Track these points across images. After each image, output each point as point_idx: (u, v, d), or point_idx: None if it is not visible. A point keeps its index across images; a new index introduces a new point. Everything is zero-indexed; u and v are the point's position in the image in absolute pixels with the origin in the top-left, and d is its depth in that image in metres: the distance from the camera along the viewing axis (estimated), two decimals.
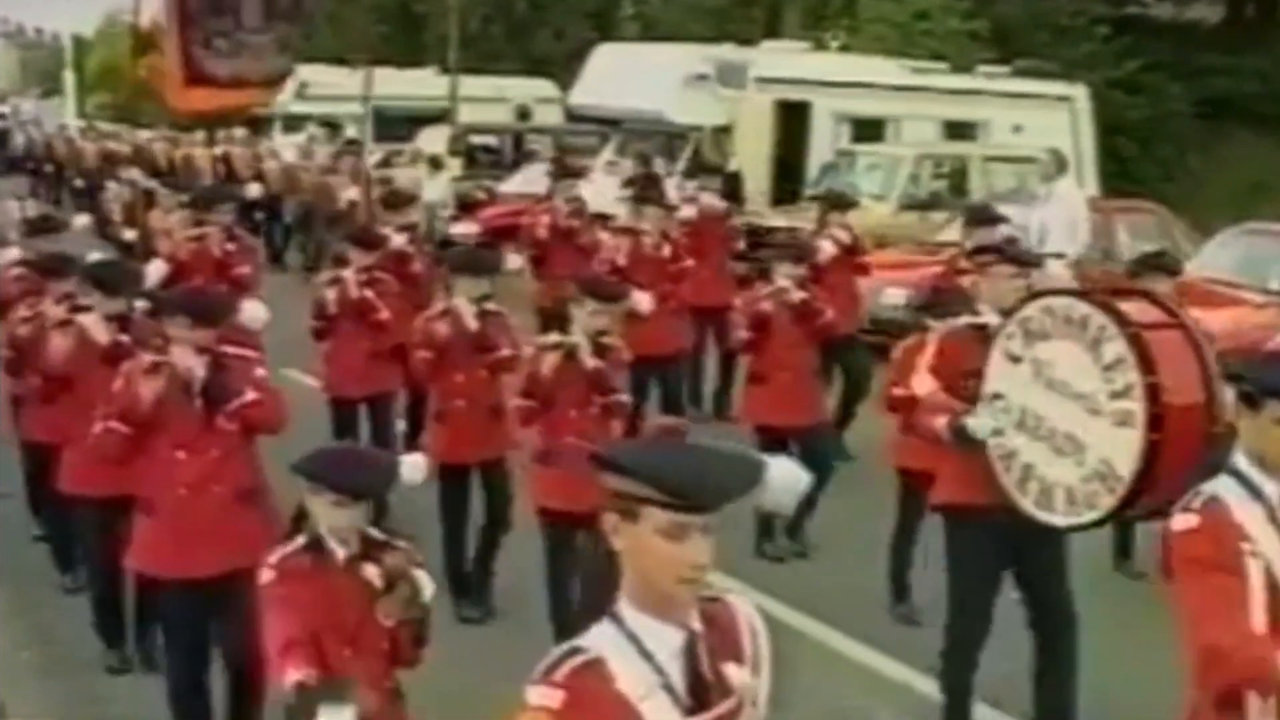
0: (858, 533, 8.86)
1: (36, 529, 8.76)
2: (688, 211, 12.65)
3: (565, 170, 13.90)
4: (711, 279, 12.16)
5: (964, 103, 21.05)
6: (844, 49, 26.41)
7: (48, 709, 6.25)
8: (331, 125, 23.39)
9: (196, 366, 5.81)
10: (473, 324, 7.82)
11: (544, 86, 29.80)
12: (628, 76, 20.48)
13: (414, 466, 6.76)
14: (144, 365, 5.87)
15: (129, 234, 13.54)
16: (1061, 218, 13.85)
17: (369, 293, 9.14)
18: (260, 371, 6.03)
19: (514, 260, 10.58)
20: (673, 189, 18.64)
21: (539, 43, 34.83)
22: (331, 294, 9.18)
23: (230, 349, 6.06)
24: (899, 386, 7.36)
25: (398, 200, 12.54)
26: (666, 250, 11.18)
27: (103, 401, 6.00)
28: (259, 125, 29.62)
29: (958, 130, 20.83)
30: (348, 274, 9.20)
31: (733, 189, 18.36)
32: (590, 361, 7.01)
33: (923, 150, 19.39)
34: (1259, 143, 26.80)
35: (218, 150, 24.23)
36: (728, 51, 21.26)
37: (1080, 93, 21.75)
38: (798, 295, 8.86)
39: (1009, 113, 20.91)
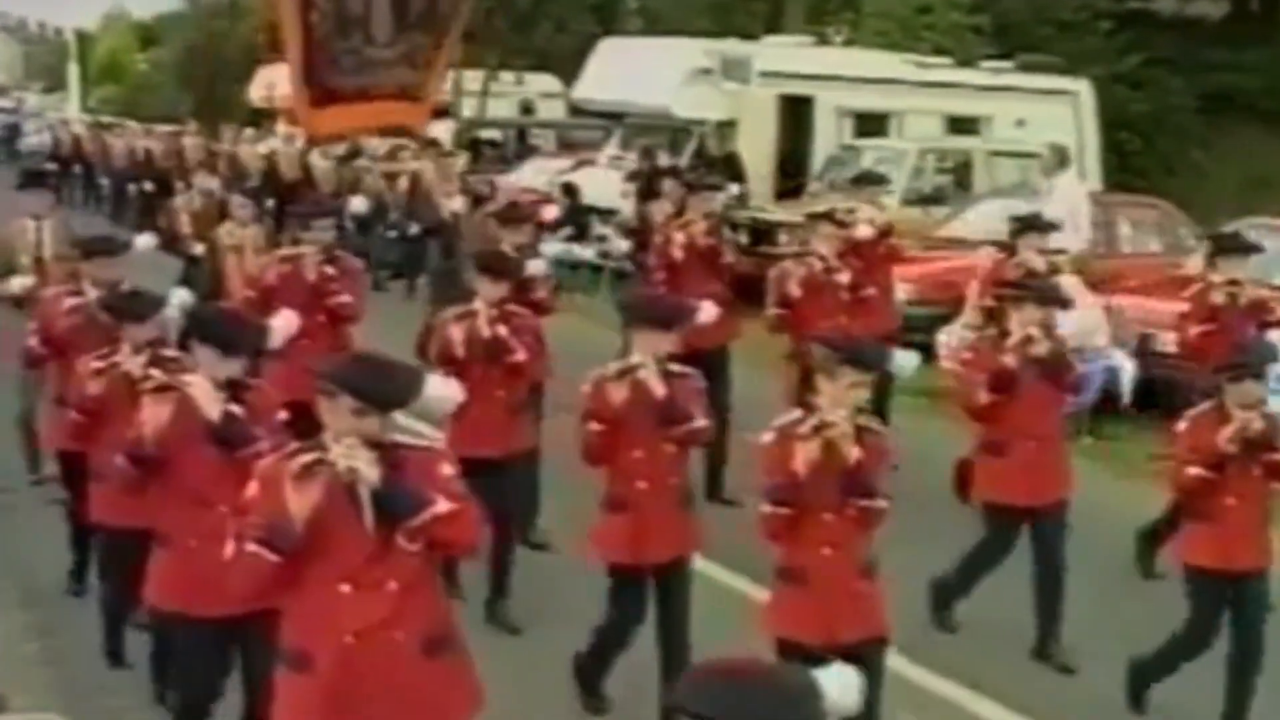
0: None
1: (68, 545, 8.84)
2: (864, 230, 10.97)
3: (699, 182, 12.01)
4: (880, 308, 10.53)
5: (967, 97, 21.04)
6: (847, 43, 26.40)
7: (50, 701, 6.24)
8: None
9: (365, 466, 4.27)
10: (659, 389, 6.27)
11: (547, 81, 29.80)
12: (631, 71, 20.48)
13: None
14: (294, 468, 4.31)
15: (199, 248, 12.25)
16: (1061, 212, 13.85)
17: (503, 330, 7.74)
18: (447, 469, 4.52)
19: (709, 311, 8.70)
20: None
21: (542, 37, 34.82)
22: (458, 332, 7.73)
23: (404, 438, 4.61)
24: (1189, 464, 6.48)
25: (516, 215, 10.77)
26: (845, 277, 9.61)
27: (228, 505, 4.88)
28: (261, 120, 29.68)
29: (961, 125, 20.82)
30: (479, 307, 7.76)
31: (734, 171, 18.41)
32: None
33: (926, 145, 19.38)
34: (1262, 138, 26.79)
35: (261, 147, 23.65)
36: (731, 46, 21.25)
37: (1083, 87, 21.73)
38: (1046, 346, 7.48)
39: (1012, 107, 20.89)
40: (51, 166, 31.55)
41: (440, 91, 14.03)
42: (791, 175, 19.87)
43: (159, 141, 26.56)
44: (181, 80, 50.84)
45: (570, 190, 19.57)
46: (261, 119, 29.76)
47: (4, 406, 9.90)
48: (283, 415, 5.58)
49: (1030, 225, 10.39)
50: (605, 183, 19.52)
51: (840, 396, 5.36)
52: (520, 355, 7.64)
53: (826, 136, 20.22)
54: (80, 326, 7.76)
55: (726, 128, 19.58)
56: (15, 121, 46.29)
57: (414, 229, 17.47)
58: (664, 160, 18.92)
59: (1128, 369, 12.02)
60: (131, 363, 6.58)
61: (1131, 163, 25.64)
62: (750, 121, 19.69)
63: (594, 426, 6.35)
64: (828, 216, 10.17)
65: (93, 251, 8.15)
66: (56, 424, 7.77)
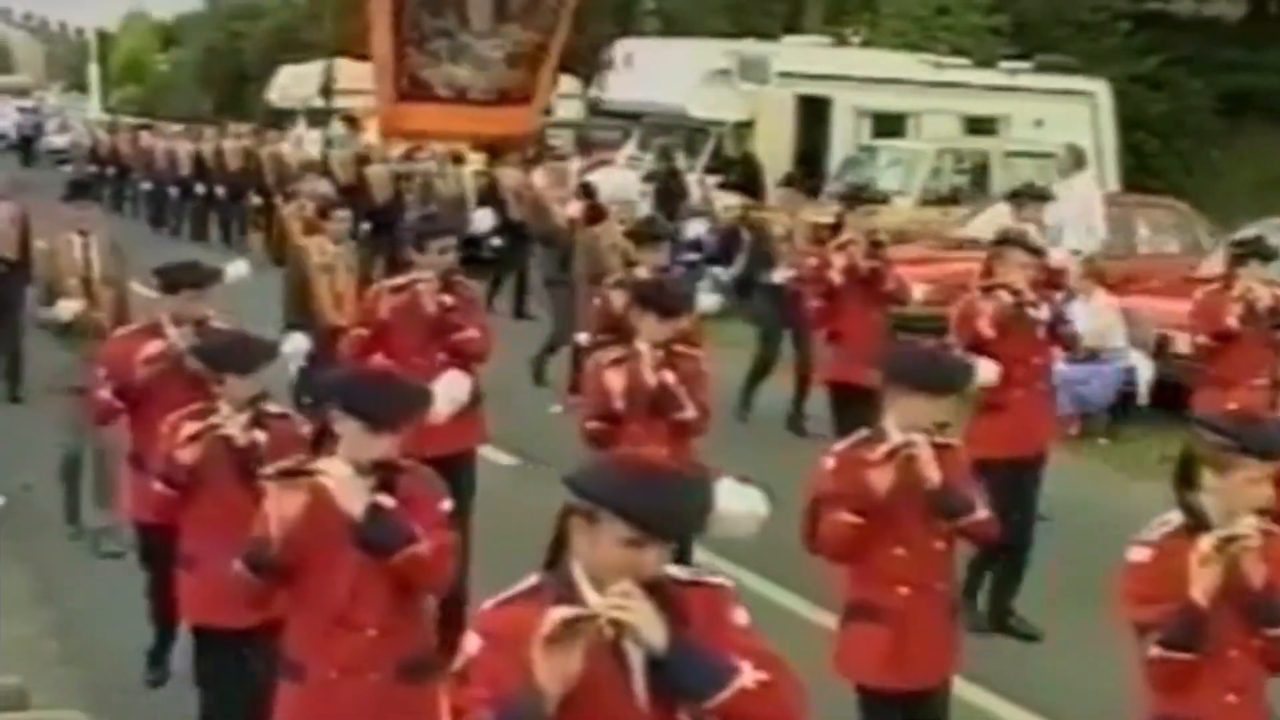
0: None
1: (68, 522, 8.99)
2: (1058, 256, 10.14)
3: (858, 196, 10.44)
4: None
5: (985, 98, 21.03)
6: (865, 44, 26.39)
7: (71, 699, 6.29)
8: (351, 120, 23.37)
9: (646, 625, 3.03)
10: (935, 476, 5.06)
11: (565, 81, 29.82)
12: (649, 71, 20.51)
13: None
14: (549, 625, 3.04)
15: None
16: (1076, 213, 13.86)
17: (670, 378, 6.63)
18: (739, 616, 3.27)
19: (989, 370, 7.52)
20: (694, 184, 18.77)
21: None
22: (617, 379, 6.63)
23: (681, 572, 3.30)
24: None
25: (653, 233, 9.61)
26: (1043, 313, 8.01)
27: (379, 628, 4.38)
28: (281, 120, 29.72)
29: (979, 125, 20.82)
30: (642, 350, 6.62)
31: (750, 175, 18.41)
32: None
33: (944, 145, 19.39)
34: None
35: (285, 146, 23.04)
36: (749, 46, 21.27)
37: (1101, 88, 21.72)
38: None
39: (1030, 108, 20.88)
40: (92, 169, 30.70)
41: (548, 95, 12.66)
42: (809, 176, 19.89)
43: (203, 143, 25.87)
44: (201, 80, 51.04)
45: (588, 190, 19.61)
46: (282, 119, 29.78)
47: (32, 432, 9.90)
48: (445, 506, 4.47)
49: (1254, 253, 9.04)
50: (623, 183, 19.55)
51: (1235, 494, 4.16)
52: (690, 412, 6.58)
53: (844, 137, 20.24)
54: (163, 377, 6.61)
55: (744, 128, 19.60)
56: (39, 121, 46.29)
57: (493, 238, 16.62)
58: (681, 161, 18.97)
59: (1145, 369, 12.02)
60: (233, 424, 5.44)
61: (1149, 163, 25.59)
62: (768, 122, 19.71)
63: (848, 518, 4.98)
64: (1017, 241, 8.27)
65: (177, 283, 6.80)
66: (136, 493, 6.61)
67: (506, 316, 16.00)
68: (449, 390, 6.86)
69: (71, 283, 8.90)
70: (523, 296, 17.04)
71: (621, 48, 22.50)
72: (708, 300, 10.64)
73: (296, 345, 8.89)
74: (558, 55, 11.64)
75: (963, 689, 7.03)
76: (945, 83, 20.92)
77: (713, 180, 18.86)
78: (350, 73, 29.07)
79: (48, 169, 35.63)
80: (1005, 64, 22.64)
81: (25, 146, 43.30)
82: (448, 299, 7.44)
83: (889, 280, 9.57)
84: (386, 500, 4.31)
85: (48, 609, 7.92)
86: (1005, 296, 7.76)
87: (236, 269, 9.91)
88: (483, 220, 16.05)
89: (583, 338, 10.32)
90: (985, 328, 7.71)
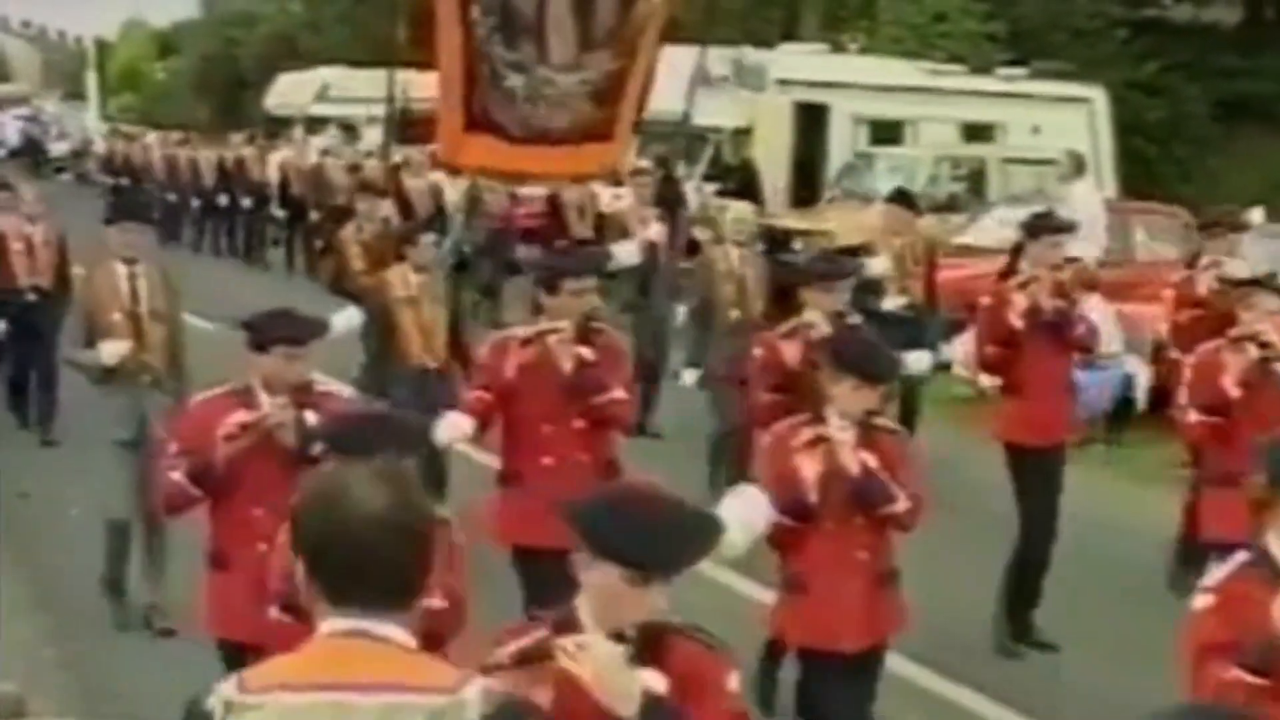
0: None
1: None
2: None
3: (1044, 224, 8.42)
4: None
5: (982, 104, 21.05)
6: (863, 51, 26.42)
7: (69, 705, 6.28)
8: (348, 128, 23.38)
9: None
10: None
11: None
12: None
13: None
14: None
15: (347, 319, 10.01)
16: (1077, 219, 13.84)
17: (873, 461, 5.39)
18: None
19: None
20: (692, 191, 18.77)
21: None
22: (809, 465, 5.34)
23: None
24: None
25: (835, 271, 7.96)
26: None
27: None
28: (277, 128, 29.72)
29: (976, 132, 20.84)
30: (833, 433, 5.36)
31: (748, 181, 18.41)
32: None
33: (941, 152, 19.41)
34: (1277, 143, 26.74)
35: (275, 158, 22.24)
36: (747, 53, 21.28)
37: (1098, 94, 21.74)
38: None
39: (1027, 114, 20.90)
40: (105, 180, 29.89)
41: (633, 127, 10.70)
42: (807, 183, 19.90)
43: (226, 151, 24.75)
44: (198, 88, 51.05)
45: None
46: (279, 127, 29.78)
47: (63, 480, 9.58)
48: (733, 684, 3.36)
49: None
50: (620, 190, 19.55)
51: None
52: (900, 505, 5.35)
53: (842, 144, 20.25)
54: (253, 456, 5.29)
55: (742, 135, 19.61)
56: (43, 129, 46.13)
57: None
58: (680, 168, 18.96)
59: (1143, 376, 12.02)
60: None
61: (1147, 169, 25.61)
62: (766, 129, 19.72)
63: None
64: (1268, 285, 7.25)
65: (272, 338, 5.38)
66: (222, 605, 5.45)
67: None
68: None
69: (115, 319, 7.67)
70: None
71: None
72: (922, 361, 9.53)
73: (456, 427, 6.57)
74: (644, 79, 10.27)
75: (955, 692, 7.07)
76: (942, 89, 20.94)
77: (710, 188, 18.86)
78: (345, 81, 29.20)
79: (45, 179, 35.50)
80: (1002, 71, 22.66)
81: (33, 155, 42.92)
82: (586, 353, 6.19)
83: (1077, 324, 7.78)
84: (656, 684, 3.17)
85: (45, 615, 7.92)
86: (1252, 350, 6.67)
87: (347, 319, 8.86)
88: (627, 254, 12.03)
89: (689, 377, 9.87)
90: (1230, 386, 6.70)
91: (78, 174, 40.38)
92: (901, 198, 11.28)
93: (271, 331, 5.40)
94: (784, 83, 19.99)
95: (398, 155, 22.33)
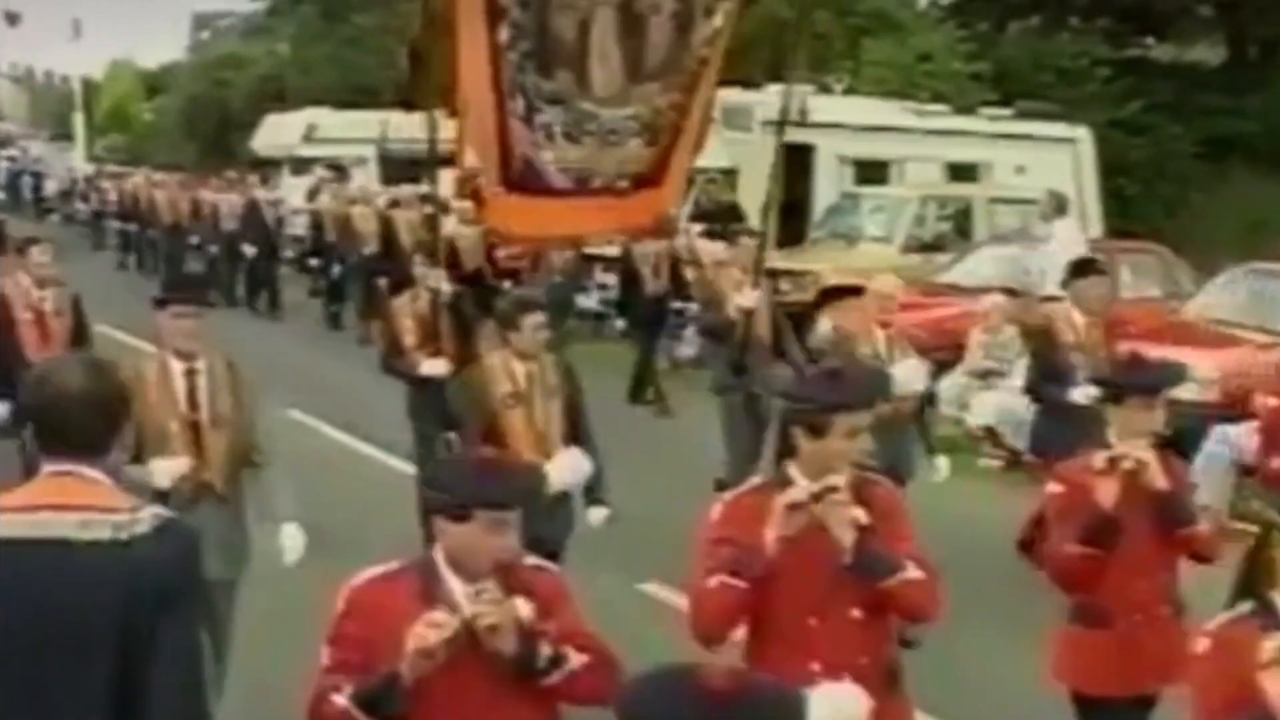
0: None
1: None
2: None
3: None
4: None
5: (967, 144, 21.16)
6: (848, 91, 26.55)
7: None
8: (337, 169, 23.43)
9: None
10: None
11: None
12: None
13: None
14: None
15: (432, 366, 9.01)
16: (1060, 259, 13.92)
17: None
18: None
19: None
20: (680, 233, 18.80)
21: None
22: (1110, 490, 5.14)
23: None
24: None
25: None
26: None
27: None
28: (264, 169, 29.77)
29: (961, 172, 20.94)
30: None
31: (735, 220, 18.44)
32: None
33: (926, 192, 19.49)
34: (1261, 183, 26.89)
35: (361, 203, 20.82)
36: (733, 94, 21.36)
37: (1083, 134, 21.87)
38: None
39: (1012, 154, 21.02)
40: (116, 225, 29.15)
41: (687, 170, 8.94)
42: (792, 223, 19.96)
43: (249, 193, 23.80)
44: (186, 129, 51.15)
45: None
46: (266, 168, 29.83)
47: None
48: None
49: None
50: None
51: None
52: (1202, 526, 5.54)
53: (828, 184, 20.32)
54: (458, 671, 3.60)
55: (727, 176, 19.67)
56: (20, 169, 46.24)
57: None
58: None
59: None
60: None
61: (1131, 208, 25.75)
62: (751, 170, 19.79)
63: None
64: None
65: (486, 499, 3.70)
66: None
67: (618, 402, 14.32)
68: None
69: (171, 428, 6.24)
70: (642, 384, 15.37)
71: None
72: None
73: None
74: (702, 120, 8.61)
75: None
76: (927, 130, 21.04)
77: (697, 228, 18.94)
78: (332, 122, 29.28)
79: (29, 219, 35.39)
80: (987, 111, 22.79)
81: (36, 201, 42.57)
82: (862, 515, 4.28)
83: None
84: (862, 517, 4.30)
85: None
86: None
87: (574, 466, 7.06)
88: (912, 376, 8.65)
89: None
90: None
91: (65, 215, 40.44)
92: (1087, 269, 9.95)
93: (478, 491, 3.73)
94: (771, 124, 20.04)
95: (384, 195, 22.42)
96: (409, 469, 9.88)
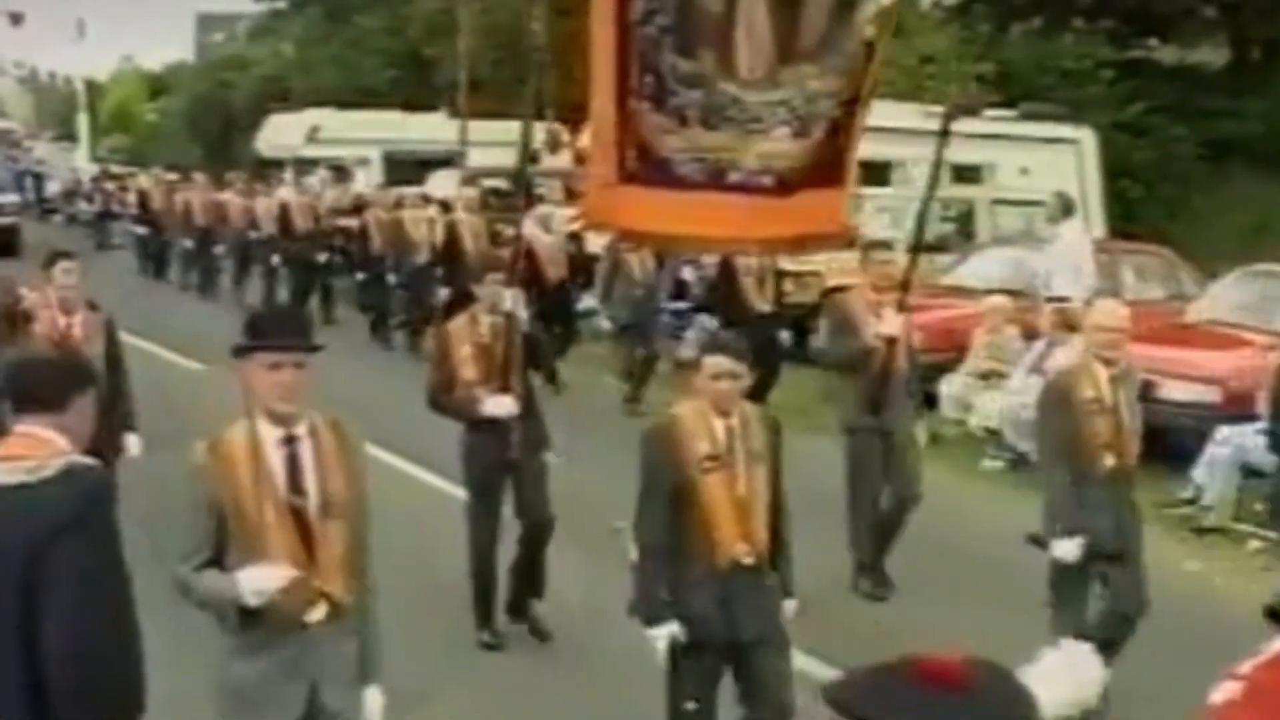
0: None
1: None
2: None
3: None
4: None
5: (971, 146, 21.10)
6: None
7: None
8: (339, 169, 23.44)
9: None
10: None
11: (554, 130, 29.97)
12: None
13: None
14: None
15: (498, 406, 7.81)
16: (1066, 260, 13.95)
17: None
18: None
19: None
20: None
21: (549, 87, 35.02)
22: None
23: None
24: None
25: None
26: None
27: None
28: (266, 170, 29.81)
29: (965, 173, 20.92)
30: None
31: None
32: None
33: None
34: (1264, 184, 26.88)
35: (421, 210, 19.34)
36: None
37: (1086, 135, 21.86)
38: None
39: (1015, 156, 21.00)
40: (137, 230, 27.84)
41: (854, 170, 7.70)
42: None
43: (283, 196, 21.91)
44: (190, 130, 51.23)
45: (576, 239, 19.63)
46: (269, 169, 29.88)
47: None
48: None
49: None
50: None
51: None
52: None
53: None
54: None
55: None
56: (23, 169, 46.22)
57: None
58: None
59: None
60: None
61: (1134, 210, 25.72)
62: None
63: None
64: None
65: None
66: None
67: None
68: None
69: (267, 519, 4.56)
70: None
71: None
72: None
73: None
74: (865, 112, 7.52)
75: None
76: (931, 131, 20.99)
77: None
78: (335, 123, 29.34)
79: (32, 219, 35.35)
80: (990, 112, 22.78)
81: (39, 202, 42.34)
82: None
83: None
84: None
85: None
86: None
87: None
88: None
89: None
90: None
91: (69, 215, 40.51)
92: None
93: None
94: None
95: (389, 194, 22.40)
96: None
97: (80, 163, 49.74)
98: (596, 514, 8.96)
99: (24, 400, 4.03)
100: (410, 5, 38.15)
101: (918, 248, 8.77)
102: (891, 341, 8.70)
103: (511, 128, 29.50)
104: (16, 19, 54.02)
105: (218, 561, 4.56)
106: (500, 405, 7.71)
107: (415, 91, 34.64)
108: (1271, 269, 13.82)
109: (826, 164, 7.23)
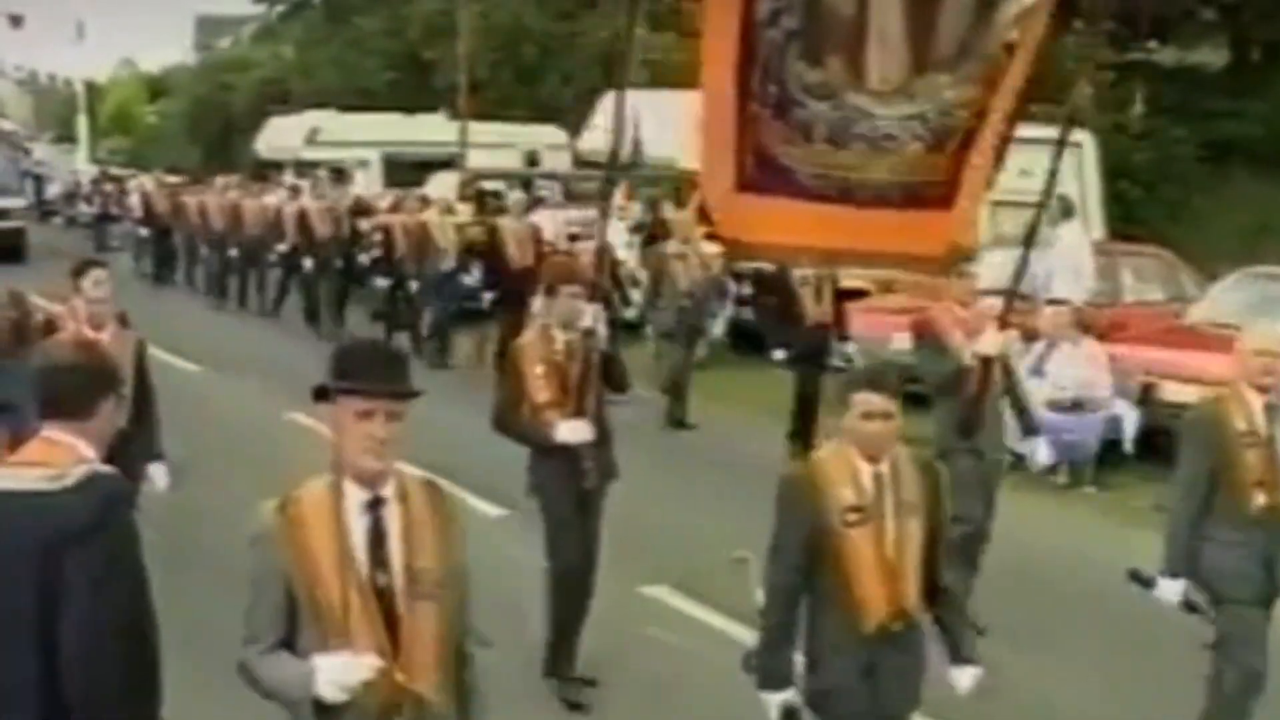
0: None
1: None
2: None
3: None
4: None
5: None
6: None
7: None
8: (338, 171, 23.42)
9: None
10: None
11: (553, 132, 30.01)
12: (637, 122, 20.57)
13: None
14: None
15: (573, 431, 7.20)
16: (1066, 262, 13.93)
17: None
18: None
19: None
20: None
21: (548, 89, 35.05)
22: None
23: None
24: None
25: None
26: None
27: None
28: (265, 172, 29.80)
29: None
30: None
31: None
32: None
33: None
34: (1264, 186, 26.86)
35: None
36: None
37: (1086, 137, 21.81)
38: None
39: (1016, 156, 20.75)
40: (142, 233, 27.33)
41: (983, 189, 7.09)
42: None
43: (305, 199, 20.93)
44: (189, 132, 51.25)
45: (573, 239, 19.62)
46: (269, 171, 29.88)
47: None
48: None
49: None
50: (610, 234, 19.61)
51: None
52: None
53: None
54: None
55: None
56: (23, 171, 46.15)
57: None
58: (669, 211, 19.04)
59: (1130, 418, 12.06)
60: None
61: (1134, 211, 25.69)
62: None
63: None
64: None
65: None
66: None
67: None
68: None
69: (351, 601, 3.79)
70: (808, 429, 12.73)
71: (609, 99, 22.58)
72: None
73: None
74: (1006, 125, 6.84)
75: None
76: None
77: (701, 230, 18.93)
78: (335, 125, 29.35)
79: (31, 221, 35.28)
80: None
81: (39, 203, 42.13)
82: None
83: None
84: None
85: None
86: None
87: None
88: None
89: None
90: None
91: (68, 217, 40.51)
92: None
93: None
94: None
95: (389, 197, 22.36)
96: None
97: (80, 164, 49.71)
98: (642, 538, 8.94)
99: (50, 406, 4.05)
100: (410, 7, 38.16)
101: (1024, 263, 8.20)
102: (988, 361, 8.08)
103: (510, 129, 29.71)
104: (16, 21, 54.06)
105: (289, 643, 3.84)
106: (575, 431, 7.11)
107: (415, 93, 34.66)
108: (1272, 270, 13.81)
109: (950, 183, 6.61)
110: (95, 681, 3.80)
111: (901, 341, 13.31)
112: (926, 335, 8.79)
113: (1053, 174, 8.29)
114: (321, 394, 3.88)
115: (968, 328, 8.41)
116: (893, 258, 7.02)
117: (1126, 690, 7.26)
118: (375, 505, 3.86)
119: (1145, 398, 12.23)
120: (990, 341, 8.09)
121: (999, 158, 6.89)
